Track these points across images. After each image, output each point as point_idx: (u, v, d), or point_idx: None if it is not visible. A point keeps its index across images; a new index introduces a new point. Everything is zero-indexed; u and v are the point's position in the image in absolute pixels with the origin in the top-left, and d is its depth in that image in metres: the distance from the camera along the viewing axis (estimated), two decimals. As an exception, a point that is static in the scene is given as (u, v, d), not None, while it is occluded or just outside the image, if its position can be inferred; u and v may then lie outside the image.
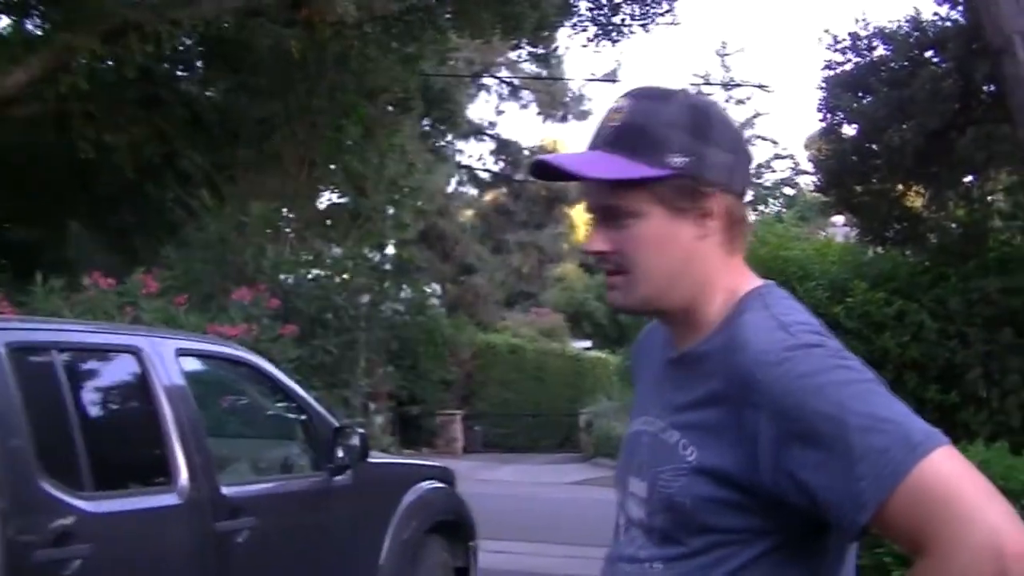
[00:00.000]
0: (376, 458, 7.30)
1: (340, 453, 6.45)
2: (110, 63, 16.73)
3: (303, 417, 6.72)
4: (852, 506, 1.68)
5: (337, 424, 6.73)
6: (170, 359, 5.63)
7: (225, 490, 5.61)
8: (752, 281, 2.03)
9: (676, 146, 1.93)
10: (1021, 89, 7.32)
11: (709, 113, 1.99)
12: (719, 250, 2.00)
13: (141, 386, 5.46)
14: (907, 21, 12.13)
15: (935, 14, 12.03)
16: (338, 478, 6.51)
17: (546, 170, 2.05)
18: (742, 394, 1.82)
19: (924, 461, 1.64)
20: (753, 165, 2.05)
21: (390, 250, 25.22)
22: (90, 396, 5.50)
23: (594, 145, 1.98)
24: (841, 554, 1.89)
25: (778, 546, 1.84)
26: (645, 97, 1.99)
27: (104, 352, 5.65)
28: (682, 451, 1.91)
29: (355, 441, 6.51)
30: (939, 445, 1.66)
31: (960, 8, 11.66)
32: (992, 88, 11.00)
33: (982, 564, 1.57)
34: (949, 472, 1.65)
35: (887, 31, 12.21)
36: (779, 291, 2.01)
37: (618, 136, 1.95)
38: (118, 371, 5.67)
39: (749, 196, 2.04)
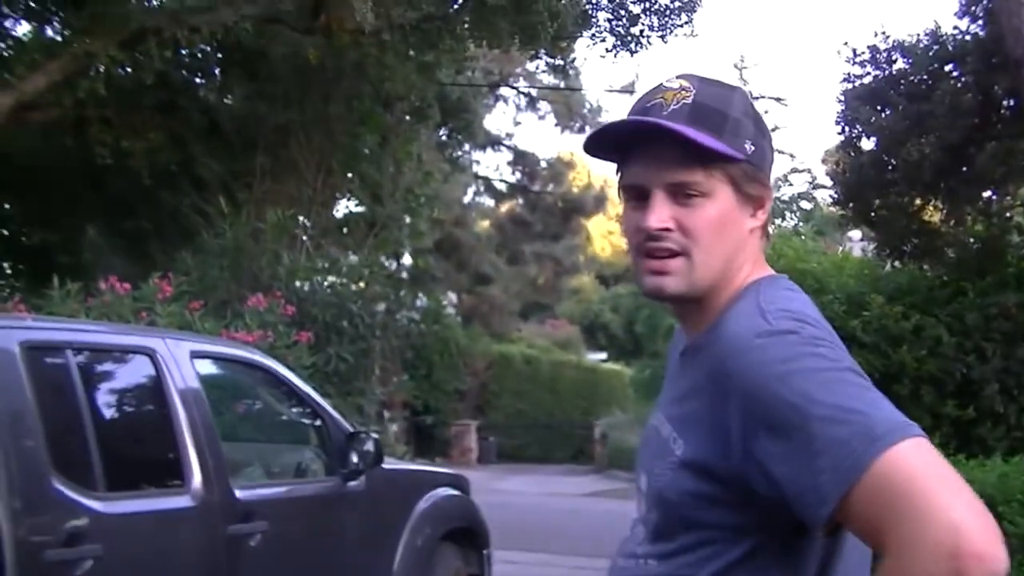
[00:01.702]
0: (390, 464, 7.27)
1: (354, 458, 6.42)
2: (128, 69, 16.76)
3: (317, 422, 6.68)
4: (814, 499, 1.63)
5: (351, 429, 6.70)
6: (185, 361, 5.61)
7: (238, 493, 5.58)
8: (761, 273, 2.03)
9: (748, 133, 1.98)
10: (1042, 101, 7.27)
11: (759, 111, 2.03)
12: (757, 244, 2.04)
13: (155, 388, 5.44)
14: (927, 34, 12.11)
15: (955, 27, 12.02)
16: (351, 483, 6.47)
17: (607, 140, 2.04)
18: (718, 383, 1.81)
19: (886, 454, 1.56)
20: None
21: (406, 259, 25.28)
22: (104, 397, 5.48)
23: (669, 118, 1.94)
24: (832, 554, 1.83)
25: (763, 546, 1.82)
26: (710, 83, 2.00)
27: (119, 353, 5.63)
28: (672, 444, 1.91)
29: (369, 447, 6.47)
30: (905, 437, 1.58)
31: (980, 22, 11.64)
32: (1012, 103, 10.97)
33: (937, 563, 1.48)
34: (912, 466, 1.56)
35: (906, 44, 12.19)
36: (781, 281, 2.01)
37: (697, 113, 1.94)
38: (132, 372, 5.64)
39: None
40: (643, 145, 1.97)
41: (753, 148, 1.96)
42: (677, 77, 2.00)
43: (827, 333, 1.84)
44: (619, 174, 2.05)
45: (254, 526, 5.59)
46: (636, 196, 1.99)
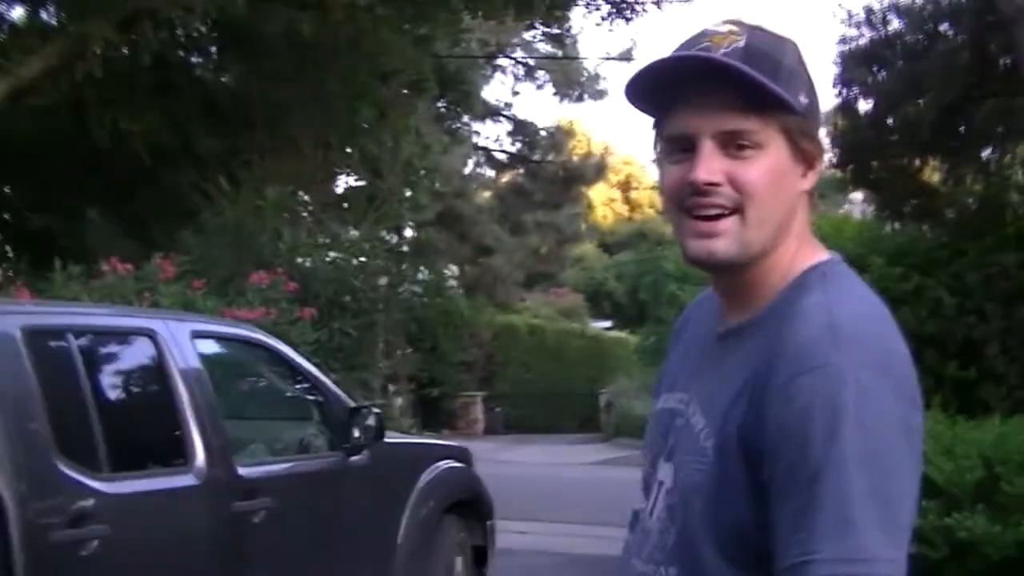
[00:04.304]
0: (392, 438, 7.29)
1: (356, 433, 6.44)
2: (124, 51, 16.73)
3: (319, 398, 6.71)
4: (780, 568, 1.58)
5: (353, 404, 6.73)
6: (185, 341, 5.64)
7: (241, 471, 5.63)
8: (816, 253, 1.85)
9: (803, 84, 1.80)
10: (1034, 60, 7.27)
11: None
12: (806, 212, 1.85)
13: (157, 368, 5.47)
14: (922, -7, 12.09)
15: (950, -14, 12.00)
16: (354, 458, 6.49)
17: (648, 85, 1.80)
18: (762, 390, 1.66)
19: None
20: None
21: (408, 233, 25.27)
22: (106, 378, 5.51)
23: (722, 57, 1.73)
24: None
25: None
26: (760, 29, 1.81)
27: (120, 335, 5.67)
28: (703, 441, 1.75)
29: (371, 421, 6.49)
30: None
31: (974, -20, 11.62)
32: (1008, 60, 10.95)
33: None
34: None
35: (901, 5, 12.17)
36: (841, 269, 1.84)
37: (751, 56, 1.73)
38: (134, 353, 5.68)
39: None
40: (692, 89, 1.75)
41: (807, 101, 1.78)
42: (724, 22, 1.80)
43: (892, 355, 1.70)
44: (657, 127, 1.84)
45: (258, 503, 5.63)
46: (680, 148, 1.77)
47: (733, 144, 1.73)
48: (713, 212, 1.75)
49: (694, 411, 1.81)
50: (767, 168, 1.74)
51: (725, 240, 1.75)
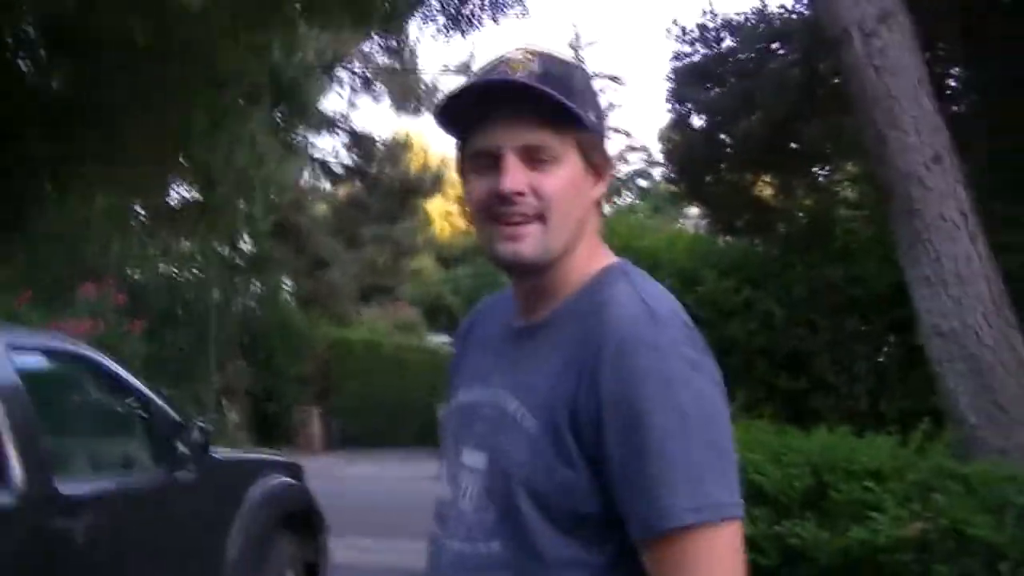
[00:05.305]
0: (219, 453, 7.14)
1: (181, 448, 6.30)
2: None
3: (143, 413, 6.55)
4: (636, 527, 1.76)
5: (178, 419, 6.57)
6: (1, 355, 5.44)
7: (62, 488, 5.43)
8: (608, 255, 2.03)
9: (591, 105, 1.97)
10: (858, 79, 7.40)
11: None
12: (596, 218, 2.03)
13: (-30, 382, 5.26)
14: (754, 13, 12.32)
15: (781, 7, 12.24)
16: (179, 473, 6.35)
17: (455, 108, 1.97)
18: (592, 367, 1.80)
19: (710, 527, 1.72)
20: None
21: (244, 245, 24.90)
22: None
23: (520, 78, 1.89)
24: None
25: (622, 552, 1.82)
26: (551, 56, 1.98)
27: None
28: (523, 422, 1.87)
29: (196, 436, 6.36)
30: (733, 518, 1.75)
31: (804, 1, 11.86)
32: (836, 80, 11.18)
33: None
34: (723, 550, 1.74)
35: (735, 23, 12.38)
36: (636, 268, 2.01)
37: (545, 78, 1.89)
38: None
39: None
40: (496, 109, 1.91)
41: (595, 119, 1.97)
42: (518, 49, 1.96)
43: (699, 339, 1.88)
44: (461, 145, 2.00)
45: (79, 520, 5.44)
46: (485, 163, 1.93)
47: (534, 158, 1.90)
48: (518, 219, 1.91)
49: (504, 399, 1.94)
50: (564, 179, 1.92)
51: (530, 243, 1.92)
